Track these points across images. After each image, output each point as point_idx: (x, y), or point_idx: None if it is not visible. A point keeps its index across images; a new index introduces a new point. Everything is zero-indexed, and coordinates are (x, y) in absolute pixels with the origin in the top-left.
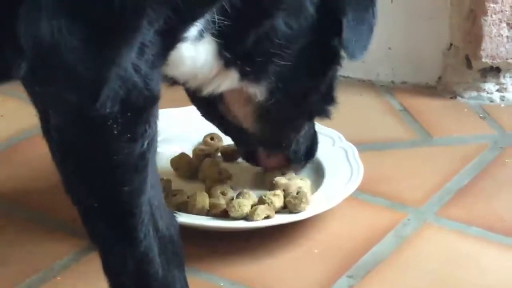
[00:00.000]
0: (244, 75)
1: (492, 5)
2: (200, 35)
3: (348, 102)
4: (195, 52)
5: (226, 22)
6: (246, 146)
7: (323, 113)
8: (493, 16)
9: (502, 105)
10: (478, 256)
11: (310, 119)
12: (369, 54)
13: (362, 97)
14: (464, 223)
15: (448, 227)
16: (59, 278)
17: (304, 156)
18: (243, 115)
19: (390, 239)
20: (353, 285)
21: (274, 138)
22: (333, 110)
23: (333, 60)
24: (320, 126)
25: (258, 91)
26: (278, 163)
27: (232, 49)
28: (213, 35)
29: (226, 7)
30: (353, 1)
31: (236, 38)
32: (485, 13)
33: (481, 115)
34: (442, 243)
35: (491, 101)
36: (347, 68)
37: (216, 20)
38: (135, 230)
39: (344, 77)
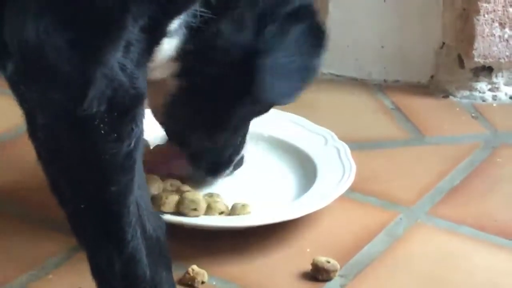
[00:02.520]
0: (181, 69)
1: (484, 4)
2: (180, 28)
3: (340, 101)
4: (168, 44)
5: (207, 15)
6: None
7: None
8: (486, 15)
9: (494, 105)
10: (470, 256)
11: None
12: (362, 52)
13: (355, 96)
14: (456, 223)
15: (439, 226)
16: (51, 276)
17: (209, 166)
18: (153, 104)
19: (382, 238)
20: (345, 285)
21: (178, 137)
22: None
23: (243, 95)
24: (312, 125)
25: (173, 85)
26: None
27: (194, 41)
28: (187, 28)
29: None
30: (287, 43)
31: (200, 34)
32: (477, 12)
33: (473, 115)
34: (433, 242)
35: (483, 101)
36: (340, 66)
37: (198, 14)
38: (122, 231)
39: (336, 75)
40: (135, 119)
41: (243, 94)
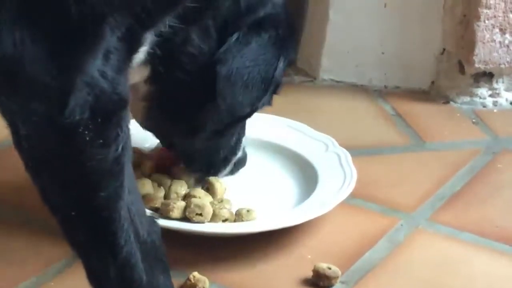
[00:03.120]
0: (151, 74)
1: (485, 10)
2: (151, 35)
3: (341, 107)
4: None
5: (177, 25)
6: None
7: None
8: (486, 21)
9: (495, 110)
10: (470, 262)
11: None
12: (362, 58)
13: (355, 102)
14: (457, 229)
15: (440, 232)
16: (52, 283)
17: (203, 167)
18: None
19: (383, 245)
20: None
21: (165, 139)
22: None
23: (207, 101)
24: (313, 131)
25: (144, 91)
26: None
27: (163, 48)
28: (156, 34)
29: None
30: (246, 52)
31: (170, 38)
32: (478, 18)
33: (473, 120)
34: (434, 248)
35: (484, 106)
36: (340, 72)
37: (167, 24)
38: (115, 236)
39: (337, 81)
40: (120, 124)
41: (207, 100)
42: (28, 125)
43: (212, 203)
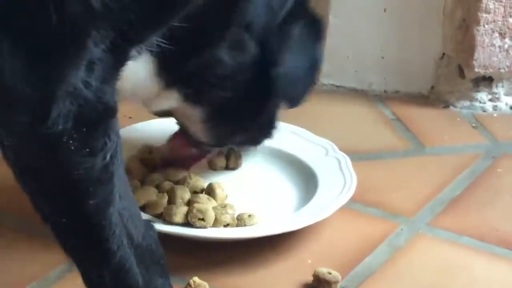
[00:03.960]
0: (185, 97)
1: (484, 15)
2: (138, 52)
3: (340, 112)
4: (135, 68)
5: (165, 45)
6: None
7: (258, 141)
8: (486, 26)
9: (495, 115)
10: (471, 266)
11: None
12: (362, 63)
13: (355, 106)
14: (457, 233)
15: (440, 237)
16: None
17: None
18: (193, 129)
19: (383, 249)
20: None
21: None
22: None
23: (270, 96)
24: (313, 136)
25: (199, 112)
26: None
27: (171, 71)
28: (151, 53)
29: (166, 32)
30: (291, 45)
31: (175, 61)
32: (477, 23)
33: (473, 125)
34: (434, 253)
35: (484, 111)
36: (340, 77)
37: (155, 42)
38: (107, 242)
39: (336, 86)
40: (107, 133)
41: (266, 102)
42: (12, 136)
43: (215, 208)
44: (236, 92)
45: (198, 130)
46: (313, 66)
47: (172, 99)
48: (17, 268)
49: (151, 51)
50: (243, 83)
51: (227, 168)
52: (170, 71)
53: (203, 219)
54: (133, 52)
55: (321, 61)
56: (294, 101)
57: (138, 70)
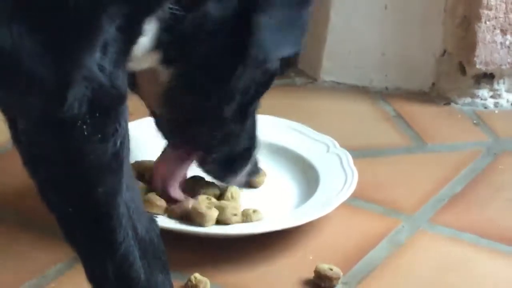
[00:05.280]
0: (164, 58)
1: (486, 11)
2: (154, 23)
3: (341, 108)
4: (143, 40)
5: (175, 9)
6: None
7: (233, 134)
8: (487, 22)
9: (496, 112)
10: (472, 263)
11: (220, 125)
12: (363, 60)
13: (356, 103)
14: (458, 230)
15: (441, 233)
16: (53, 285)
17: (223, 163)
18: (150, 95)
19: (384, 246)
20: None
21: (184, 129)
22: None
23: (243, 59)
24: (314, 132)
25: (165, 73)
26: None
27: (169, 32)
28: (159, 19)
29: None
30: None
31: (177, 22)
32: (479, 19)
33: (474, 122)
34: (436, 249)
35: (485, 108)
36: (341, 73)
37: (167, 11)
38: (113, 233)
39: (337, 83)
40: (118, 119)
41: (242, 58)
42: (27, 120)
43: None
44: (210, 49)
45: (156, 99)
46: (302, 25)
47: (151, 60)
48: (16, 265)
49: (159, 17)
50: (223, 35)
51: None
52: (168, 32)
53: (236, 215)
54: (145, 25)
55: (307, 24)
56: (268, 56)
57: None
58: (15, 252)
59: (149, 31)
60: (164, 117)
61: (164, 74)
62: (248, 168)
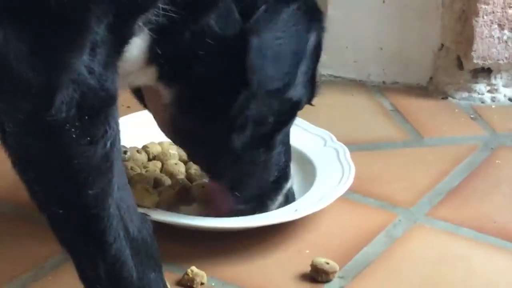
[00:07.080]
0: (161, 75)
1: (483, 6)
2: (138, 27)
3: (339, 102)
4: (134, 47)
5: (169, 15)
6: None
7: (237, 147)
8: (485, 17)
9: (493, 106)
10: (469, 257)
11: (236, 157)
12: (361, 54)
13: (353, 97)
14: (455, 224)
15: (438, 228)
16: (50, 278)
17: (251, 195)
18: (159, 118)
19: (381, 240)
20: (344, 286)
21: (197, 155)
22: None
23: (245, 84)
24: (311, 126)
25: (167, 93)
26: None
27: (163, 46)
28: (151, 29)
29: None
30: (279, 21)
31: (171, 34)
32: (476, 14)
33: (472, 116)
34: (432, 243)
35: (482, 102)
36: (339, 67)
37: (160, 12)
38: (104, 234)
39: (335, 77)
40: (108, 121)
41: (243, 83)
42: (14, 123)
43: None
44: (212, 70)
45: (163, 118)
46: (296, 55)
47: (148, 76)
48: (13, 257)
49: (150, 28)
50: (222, 60)
51: None
52: (161, 46)
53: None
54: (135, 27)
55: (312, 51)
56: (261, 84)
57: (134, 44)
58: (12, 244)
59: (140, 39)
60: (177, 143)
61: (166, 95)
62: (279, 201)
